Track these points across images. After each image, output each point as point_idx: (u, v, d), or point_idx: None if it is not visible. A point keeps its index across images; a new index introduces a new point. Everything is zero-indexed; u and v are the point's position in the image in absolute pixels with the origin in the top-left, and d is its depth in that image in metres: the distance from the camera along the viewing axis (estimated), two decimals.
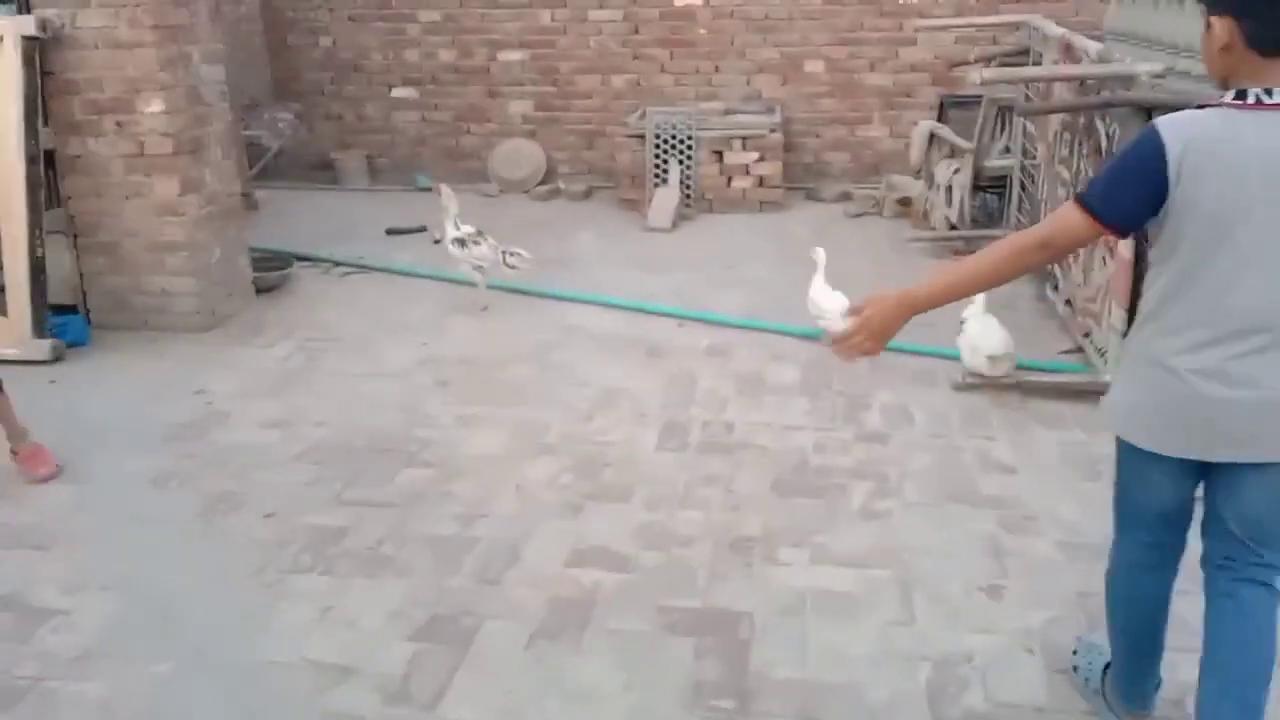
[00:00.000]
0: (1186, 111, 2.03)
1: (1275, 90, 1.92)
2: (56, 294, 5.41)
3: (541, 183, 8.70)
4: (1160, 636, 2.40)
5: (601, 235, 7.22)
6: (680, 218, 7.55)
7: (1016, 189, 6.30)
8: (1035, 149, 5.88)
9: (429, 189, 8.61)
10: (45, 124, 5.12)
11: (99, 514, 3.61)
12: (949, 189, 6.72)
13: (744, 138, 7.78)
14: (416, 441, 4.11)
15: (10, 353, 4.90)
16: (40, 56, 5.00)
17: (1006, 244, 2.20)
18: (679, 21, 8.44)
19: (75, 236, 5.32)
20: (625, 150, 7.98)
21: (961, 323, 4.48)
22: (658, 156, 7.80)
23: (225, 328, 5.45)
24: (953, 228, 6.70)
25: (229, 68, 5.71)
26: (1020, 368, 4.52)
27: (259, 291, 5.91)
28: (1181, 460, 2.15)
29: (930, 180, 7.00)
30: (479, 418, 4.32)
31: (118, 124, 5.09)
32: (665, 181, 7.73)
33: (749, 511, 3.56)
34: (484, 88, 8.92)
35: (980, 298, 4.37)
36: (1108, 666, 2.53)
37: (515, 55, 8.76)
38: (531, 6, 8.59)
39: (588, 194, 8.45)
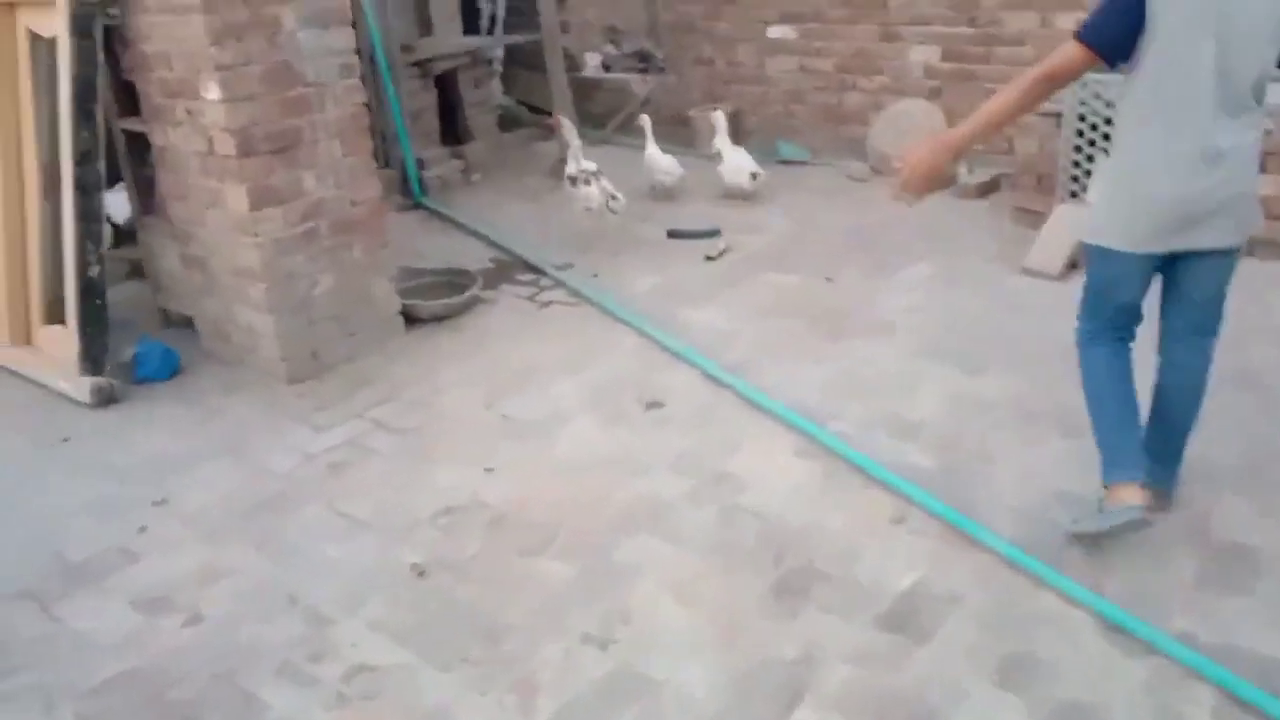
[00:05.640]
0: None
1: None
2: (183, 306, 4.53)
3: None
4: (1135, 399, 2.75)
5: (942, 274, 4.70)
6: None
7: None
8: None
9: (796, 161, 6.63)
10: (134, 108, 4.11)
11: None
12: None
13: None
14: (245, 716, 2.44)
15: (64, 385, 4.05)
16: (112, 24, 3.95)
17: (1021, 80, 2.60)
18: None
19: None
20: (1032, 134, 5.21)
21: (716, 153, 5.91)
22: (1078, 149, 4.94)
23: (321, 380, 4.11)
24: None
25: None
26: None
27: (413, 322, 4.52)
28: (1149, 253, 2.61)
29: None
30: (375, 682, 2.49)
31: (187, 111, 3.87)
32: (1083, 190, 4.89)
33: None
34: (878, 26, 6.52)
35: (722, 130, 5.93)
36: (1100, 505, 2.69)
37: None
38: None
39: (990, 188, 5.80)
